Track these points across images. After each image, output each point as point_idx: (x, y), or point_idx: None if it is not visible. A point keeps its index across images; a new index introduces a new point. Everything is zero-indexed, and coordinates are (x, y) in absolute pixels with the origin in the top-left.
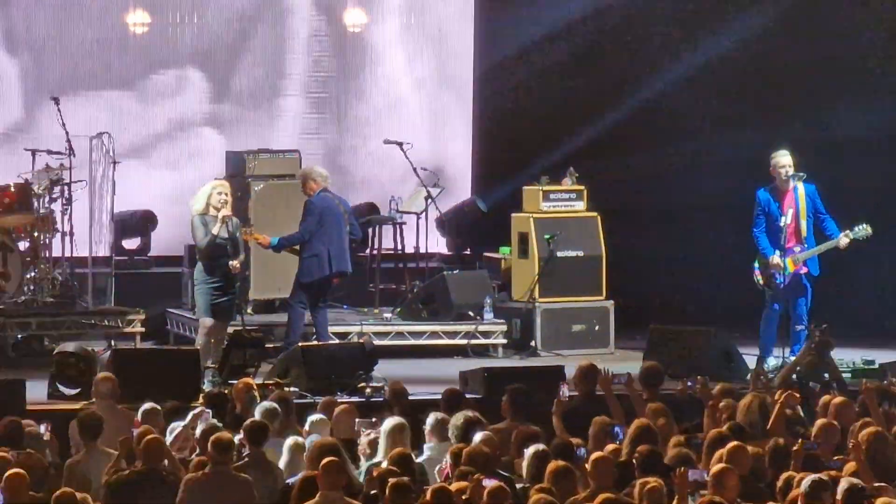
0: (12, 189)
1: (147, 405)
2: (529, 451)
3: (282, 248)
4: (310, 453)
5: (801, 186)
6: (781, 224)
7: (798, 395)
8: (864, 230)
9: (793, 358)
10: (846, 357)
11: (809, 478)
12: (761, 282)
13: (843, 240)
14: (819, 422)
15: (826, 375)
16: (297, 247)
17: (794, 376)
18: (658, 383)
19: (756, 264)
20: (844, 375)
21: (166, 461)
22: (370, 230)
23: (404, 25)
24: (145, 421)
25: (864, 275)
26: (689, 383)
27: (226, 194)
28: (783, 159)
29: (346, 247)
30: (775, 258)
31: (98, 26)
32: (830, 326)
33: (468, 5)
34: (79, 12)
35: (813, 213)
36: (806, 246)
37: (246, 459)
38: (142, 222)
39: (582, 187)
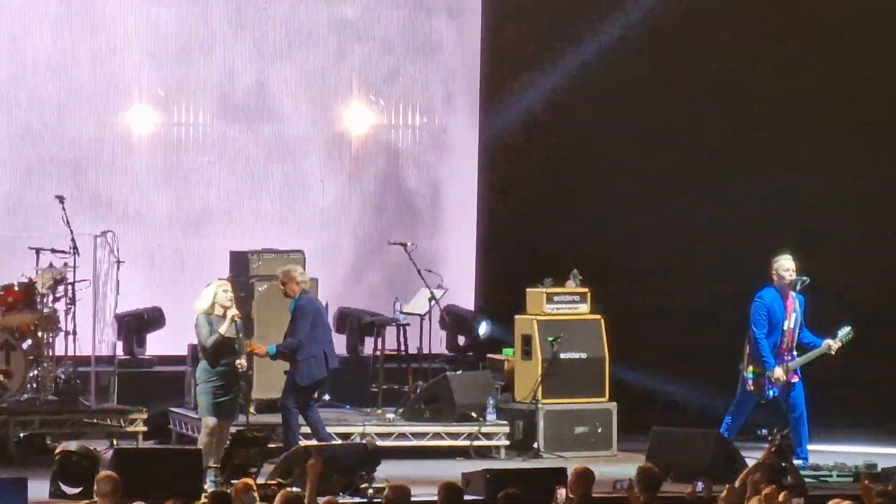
0: (16, 288)
1: None
2: None
3: (279, 356)
4: None
5: (794, 294)
6: (784, 328)
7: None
8: (847, 335)
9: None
10: (848, 461)
11: None
12: (753, 391)
13: (835, 345)
14: None
15: (788, 479)
16: None
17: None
18: (656, 486)
19: (749, 373)
20: (847, 480)
21: None
22: (375, 331)
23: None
24: None
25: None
26: (698, 486)
27: (231, 293)
28: (788, 263)
29: (333, 345)
30: (778, 371)
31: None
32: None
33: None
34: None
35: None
36: (796, 353)
37: None
38: (146, 321)
39: (586, 289)
